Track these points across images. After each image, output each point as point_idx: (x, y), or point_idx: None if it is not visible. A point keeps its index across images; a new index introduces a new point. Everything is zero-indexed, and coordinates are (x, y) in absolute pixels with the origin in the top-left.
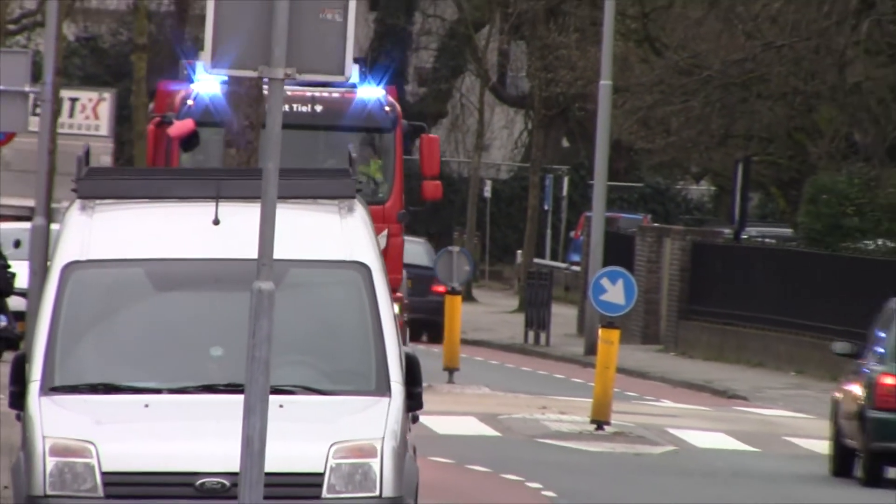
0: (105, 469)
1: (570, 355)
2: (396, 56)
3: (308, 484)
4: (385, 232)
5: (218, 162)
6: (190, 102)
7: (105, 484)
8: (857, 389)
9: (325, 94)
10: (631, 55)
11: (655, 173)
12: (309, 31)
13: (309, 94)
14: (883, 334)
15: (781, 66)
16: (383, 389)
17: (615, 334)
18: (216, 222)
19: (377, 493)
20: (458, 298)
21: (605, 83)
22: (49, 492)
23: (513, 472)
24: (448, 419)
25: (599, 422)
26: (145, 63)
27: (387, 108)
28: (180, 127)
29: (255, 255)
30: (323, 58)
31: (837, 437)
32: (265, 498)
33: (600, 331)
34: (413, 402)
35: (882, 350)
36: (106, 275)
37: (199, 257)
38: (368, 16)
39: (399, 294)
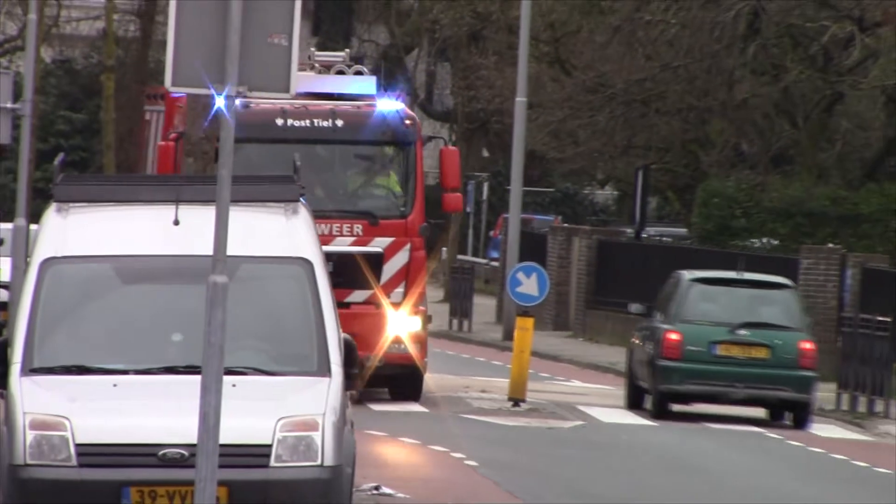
0: (78, 441)
1: (490, 340)
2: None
3: (258, 454)
4: (407, 246)
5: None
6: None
7: (78, 454)
8: (648, 342)
9: (346, 108)
10: (543, 75)
11: (565, 179)
12: (259, 54)
13: (329, 107)
14: (669, 300)
15: (677, 85)
16: (324, 371)
17: (530, 322)
18: (176, 223)
19: (319, 462)
20: None
21: (521, 100)
22: (29, 461)
23: (439, 444)
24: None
25: (516, 399)
26: (113, 82)
27: (407, 122)
28: None
29: (210, 252)
30: (271, 77)
31: (631, 379)
32: (220, 467)
33: (517, 319)
34: (350, 382)
35: (668, 312)
36: (79, 269)
37: (161, 254)
38: (311, 40)
39: (423, 308)
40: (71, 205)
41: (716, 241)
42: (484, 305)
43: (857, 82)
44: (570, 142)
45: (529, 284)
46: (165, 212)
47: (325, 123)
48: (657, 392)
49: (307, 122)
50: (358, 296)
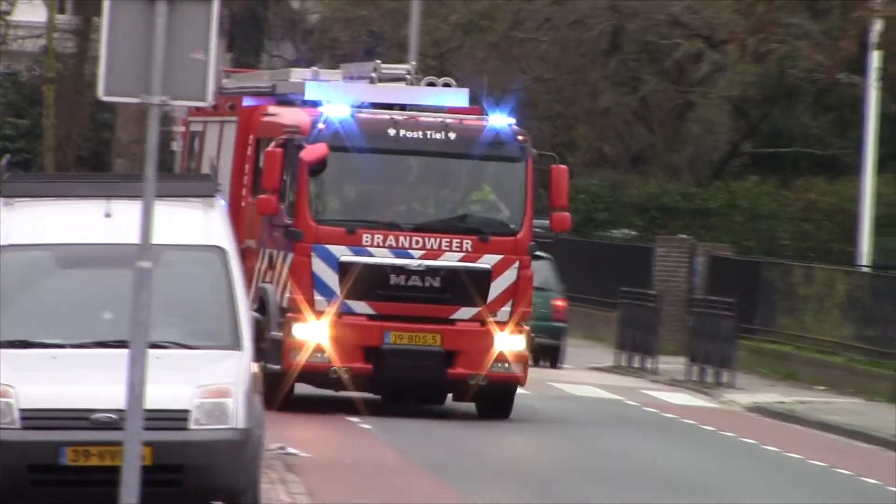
0: (22, 406)
1: None
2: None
3: (178, 418)
4: (515, 264)
5: (350, 188)
6: (321, 126)
7: (22, 418)
8: None
9: (457, 121)
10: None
11: None
12: (180, 67)
13: (440, 120)
14: None
15: (547, 95)
16: (236, 345)
17: None
18: (108, 215)
19: (232, 425)
20: None
21: None
22: None
23: (338, 409)
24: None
25: None
26: (53, 92)
27: (519, 137)
28: (314, 151)
29: (137, 241)
30: (190, 88)
31: None
32: (145, 429)
33: None
34: (258, 355)
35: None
36: (22, 256)
37: (94, 242)
38: (226, 55)
39: (527, 328)
40: (16, 199)
41: (582, 231)
42: None
43: (706, 92)
44: None
45: None
46: (98, 206)
47: (437, 136)
48: None
49: (419, 133)
50: (464, 313)
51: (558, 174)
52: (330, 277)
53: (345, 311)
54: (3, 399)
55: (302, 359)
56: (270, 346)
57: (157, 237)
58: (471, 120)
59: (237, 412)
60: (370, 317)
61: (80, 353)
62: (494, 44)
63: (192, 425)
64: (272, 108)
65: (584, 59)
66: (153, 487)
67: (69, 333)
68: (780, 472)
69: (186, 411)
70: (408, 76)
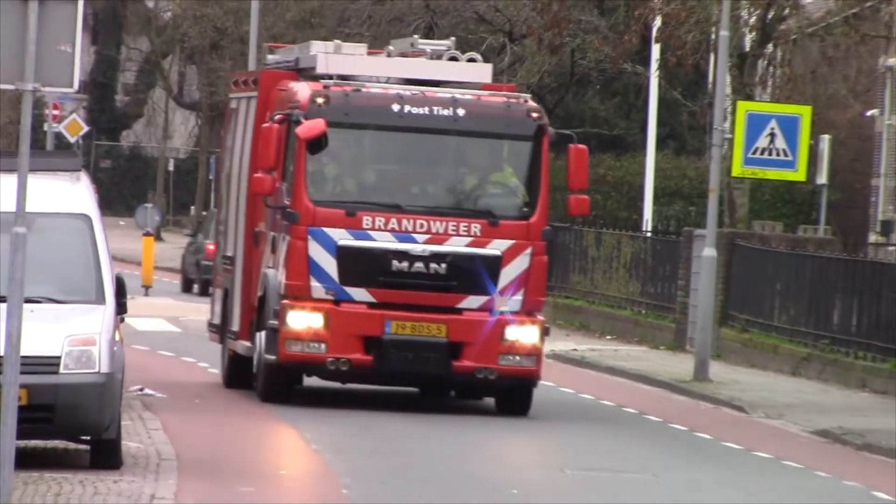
0: None
1: None
2: None
3: (50, 364)
4: (528, 250)
5: (351, 167)
6: (320, 101)
7: None
8: None
9: (468, 97)
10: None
11: None
12: (50, 58)
13: (450, 95)
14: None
15: None
16: (101, 300)
17: None
18: None
19: (97, 369)
20: (152, 238)
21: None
22: None
23: (189, 356)
24: (144, 320)
25: None
26: None
27: (533, 114)
28: (311, 128)
29: (13, 209)
30: (59, 75)
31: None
32: (21, 374)
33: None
34: (120, 309)
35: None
36: None
37: None
38: (90, 48)
39: (541, 318)
40: None
41: None
42: None
43: (508, 80)
44: None
45: None
46: None
47: (445, 112)
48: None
49: (425, 109)
50: (472, 301)
51: (577, 154)
52: (328, 263)
53: (343, 299)
54: None
55: (298, 349)
56: (266, 335)
57: (31, 206)
58: (484, 96)
59: (101, 358)
60: (370, 305)
61: None
62: (324, 38)
63: (62, 370)
64: (288, 83)
65: None
66: (29, 425)
67: None
68: (575, 411)
69: (57, 357)
70: (444, 52)
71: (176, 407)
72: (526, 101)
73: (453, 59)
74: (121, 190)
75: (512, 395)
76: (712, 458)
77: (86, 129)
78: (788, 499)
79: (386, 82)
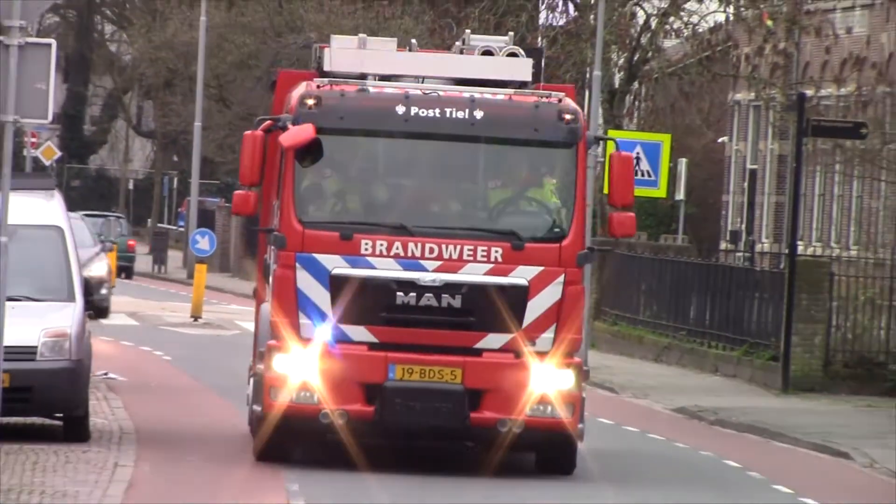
0: None
1: (179, 279)
2: None
3: (28, 352)
4: (560, 278)
5: (347, 181)
6: (310, 102)
7: None
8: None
9: (489, 97)
10: (213, 108)
11: (227, 175)
12: (28, 94)
13: (468, 95)
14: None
15: None
16: (71, 298)
17: (204, 267)
18: None
19: (68, 357)
20: (204, 267)
21: (198, 124)
22: None
23: (147, 346)
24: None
25: (196, 316)
26: None
27: (566, 116)
28: (297, 135)
29: (7, 221)
30: (35, 109)
31: None
32: (4, 360)
33: (196, 265)
34: (87, 306)
35: None
36: None
37: None
38: (63, 85)
39: (577, 359)
40: None
41: None
42: (175, 257)
43: None
44: (230, 151)
45: (204, 243)
46: None
47: (459, 115)
48: None
49: (436, 111)
50: (493, 341)
51: (621, 163)
52: (319, 295)
53: (339, 339)
54: None
55: (285, 399)
56: (254, 382)
57: (12, 219)
58: (508, 94)
59: (72, 347)
60: (371, 346)
61: None
62: (258, 77)
63: (38, 357)
64: (301, 83)
65: None
66: (10, 404)
67: None
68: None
69: (34, 347)
70: (493, 47)
71: (135, 388)
72: (560, 101)
73: (488, 52)
74: (88, 206)
75: (553, 450)
76: (588, 432)
77: (58, 154)
78: (651, 466)
79: (399, 81)
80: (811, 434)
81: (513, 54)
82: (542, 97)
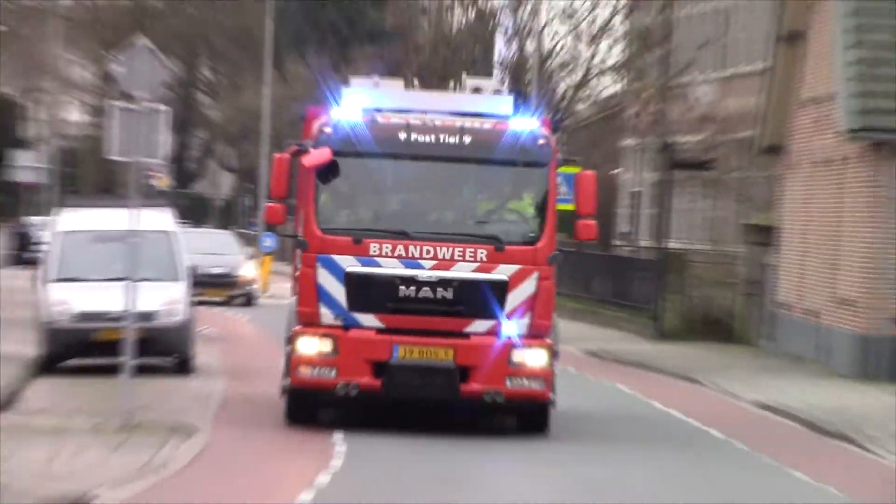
0: (73, 311)
1: None
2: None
3: (153, 315)
4: (534, 275)
5: (359, 195)
6: (328, 130)
7: (73, 315)
8: None
9: (476, 125)
10: (273, 149)
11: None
12: (149, 142)
13: (458, 124)
14: None
15: None
16: (179, 279)
17: (269, 258)
18: (113, 215)
19: (179, 318)
20: (272, 255)
21: (263, 160)
22: (51, 319)
23: (231, 311)
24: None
25: (264, 291)
26: (92, 154)
27: (540, 142)
28: (316, 157)
29: (132, 228)
30: (154, 152)
31: None
32: (136, 321)
33: (263, 257)
34: (240, 298)
35: None
36: (75, 235)
37: (109, 229)
38: (172, 135)
39: (549, 341)
40: (70, 208)
41: None
42: (248, 252)
43: None
44: None
45: (269, 242)
46: (110, 211)
47: (451, 140)
48: None
49: (432, 137)
50: (479, 326)
51: (585, 180)
52: (336, 289)
53: (352, 325)
54: (65, 305)
55: (308, 374)
56: (285, 360)
57: (141, 227)
58: (492, 123)
59: (182, 310)
60: (379, 330)
61: (104, 284)
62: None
63: (159, 319)
64: (323, 116)
65: None
66: (142, 350)
67: (98, 273)
68: None
69: (157, 311)
70: (481, 87)
71: (223, 339)
72: (534, 129)
73: (477, 90)
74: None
75: (531, 416)
76: None
77: (170, 183)
78: (569, 393)
79: (407, 113)
80: (675, 367)
81: (497, 91)
82: (520, 126)
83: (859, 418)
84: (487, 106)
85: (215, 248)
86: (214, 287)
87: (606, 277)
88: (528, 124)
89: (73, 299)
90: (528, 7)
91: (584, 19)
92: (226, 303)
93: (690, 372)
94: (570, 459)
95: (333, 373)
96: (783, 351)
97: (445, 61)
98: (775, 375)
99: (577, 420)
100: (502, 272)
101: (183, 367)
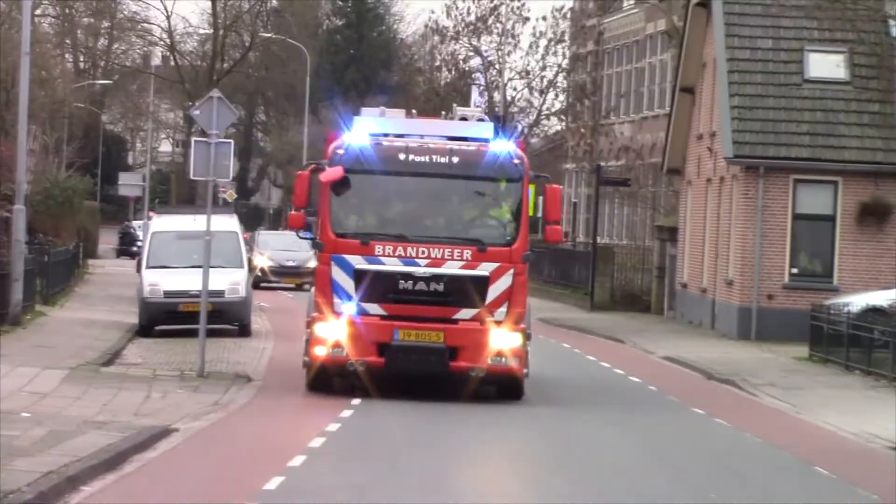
0: (164, 290)
1: None
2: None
3: (221, 294)
4: (511, 271)
5: (366, 205)
6: (341, 152)
7: (164, 294)
8: None
9: (462, 147)
10: None
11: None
12: (221, 165)
13: (448, 146)
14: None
15: None
16: (241, 266)
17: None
18: (194, 220)
19: (241, 295)
20: None
21: None
22: (146, 296)
23: (284, 294)
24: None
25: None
26: (175, 176)
27: (516, 161)
28: (331, 174)
29: (205, 228)
30: (224, 173)
31: None
32: (210, 298)
33: None
34: (299, 287)
35: None
36: (166, 235)
37: (191, 230)
38: (236, 161)
39: (523, 326)
40: (161, 213)
41: None
42: None
43: None
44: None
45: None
46: (191, 216)
47: (442, 159)
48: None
49: (426, 157)
50: (465, 313)
51: (552, 193)
52: (347, 283)
53: (360, 313)
54: (156, 285)
55: (323, 353)
56: (305, 341)
57: (213, 227)
58: (476, 145)
59: (242, 289)
60: (382, 317)
61: (184, 269)
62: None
63: (226, 295)
64: (336, 140)
65: None
66: (212, 319)
67: (179, 262)
68: None
69: (224, 290)
70: (468, 115)
71: (274, 310)
72: (510, 150)
73: (463, 118)
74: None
75: (507, 388)
76: None
77: (235, 196)
78: (534, 352)
79: (406, 137)
80: (604, 330)
81: (481, 119)
82: (498, 148)
83: (741, 368)
84: (472, 131)
85: (289, 246)
86: (289, 276)
87: (553, 265)
88: (505, 146)
89: (163, 281)
90: (495, 69)
91: (536, 77)
92: (298, 288)
93: (616, 334)
94: (531, 400)
95: (345, 352)
96: (684, 319)
97: (436, 107)
98: (678, 336)
99: (532, 369)
100: (484, 269)
101: (243, 331)
